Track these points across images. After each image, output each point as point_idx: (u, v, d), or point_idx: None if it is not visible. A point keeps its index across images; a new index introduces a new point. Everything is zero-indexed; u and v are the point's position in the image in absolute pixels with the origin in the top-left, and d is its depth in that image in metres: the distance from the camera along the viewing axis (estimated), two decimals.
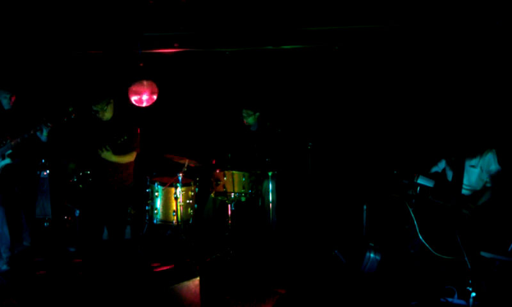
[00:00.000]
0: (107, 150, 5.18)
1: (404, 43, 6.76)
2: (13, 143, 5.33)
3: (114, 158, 5.28)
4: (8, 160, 5.40)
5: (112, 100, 5.44)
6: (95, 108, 5.32)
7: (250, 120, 6.49)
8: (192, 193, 6.12)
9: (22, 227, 6.04)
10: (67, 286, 5.01)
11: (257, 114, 6.51)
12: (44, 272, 5.44)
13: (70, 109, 5.40)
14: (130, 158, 5.46)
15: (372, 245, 5.29)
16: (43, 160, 6.41)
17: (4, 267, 5.46)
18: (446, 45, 6.54)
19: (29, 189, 5.82)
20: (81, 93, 6.75)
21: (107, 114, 5.42)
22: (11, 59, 6.88)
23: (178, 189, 5.87)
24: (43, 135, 5.42)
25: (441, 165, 5.40)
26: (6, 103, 5.55)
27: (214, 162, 6.56)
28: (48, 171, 6.64)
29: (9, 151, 5.39)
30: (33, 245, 6.04)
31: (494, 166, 4.88)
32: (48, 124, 5.31)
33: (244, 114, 6.48)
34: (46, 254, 6.00)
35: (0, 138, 5.40)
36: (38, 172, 6.43)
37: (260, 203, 6.48)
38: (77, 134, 5.55)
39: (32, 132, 5.31)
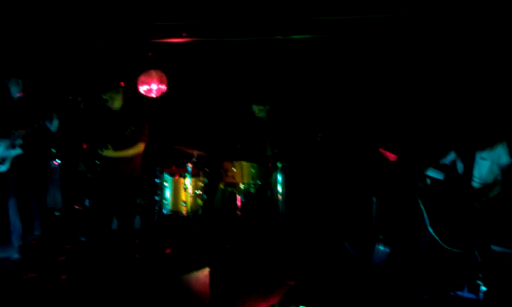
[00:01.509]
0: (106, 148, 5.18)
1: (414, 33, 6.71)
2: (23, 133, 5.37)
3: (116, 155, 5.27)
4: (18, 151, 5.44)
5: (121, 89, 5.43)
6: (104, 96, 5.30)
7: (262, 114, 6.48)
8: (202, 184, 6.13)
9: (33, 216, 6.08)
10: (76, 274, 5.07)
11: (267, 106, 6.50)
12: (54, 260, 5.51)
13: (79, 99, 5.41)
14: (136, 150, 5.44)
15: (382, 237, 5.29)
16: (53, 150, 6.44)
17: (16, 256, 5.53)
18: (458, 36, 6.49)
19: (40, 179, 5.83)
20: (91, 83, 6.76)
21: (117, 104, 5.40)
22: (22, 49, 6.89)
23: (188, 180, 5.88)
24: (53, 125, 5.45)
25: (450, 157, 5.36)
26: (15, 91, 5.55)
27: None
28: (59, 161, 6.68)
29: (20, 142, 5.42)
30: (44, 235, 6.08)
31: (505, 159, 4.83)
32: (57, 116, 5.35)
33: (255, 109, 6.47)
34: (57, 243, 6.05)
35: (10, 128, 5.43)
36: (49, 162, 6.46)
37: (269, 194, 6.48)
38: (87, 123, 5.55)
39: (42, 123, 5.34)
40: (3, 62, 6.47)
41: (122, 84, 5.36)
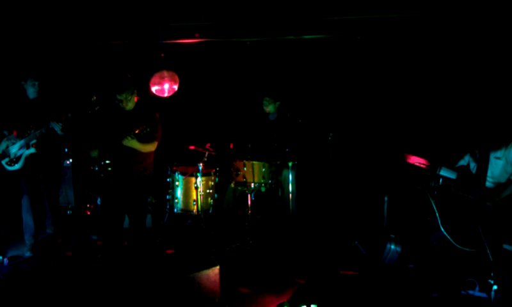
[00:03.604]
0: (131, 138, 5.19)
1: (426, 33, 6.67)
2: (37, 133, 5.43)
3: (138, 146, 5.28)
4: (32, 150, 5.50)
5: (136, 90, 5.45)
6: (119, 97, 5.30)
7: (271, 108, 6.51)
8: (213, 183, 6.16)
9: (45, 215, 6.14)
10: (88, 272, 5.10)
11: (278, 103, 6.52)
12: (67, 258, 5.55)
13: (92, 99, 5.44)
14: (151, 147, 5.47)
15: (393, 236, 5.26)
16: (66, 149, 6.49)
17: (28, 254, 5.59)
18: (469, 34, 6.44)
19: (53, 178, 5.88)
20: (104, 83, 6.81)
21: (130, 104, 5.41)
22: (37, 50, 6.97)
23: (199, 179, 5.90)
24: (58, 131, 5.48)
25: (468, 158, 5.32)
26: (32, 92, 5.61)
27: (231, 146, 6.55)
28: (71, 160, 6.73)
29: (34, 141, 5.49)
30: (56, 233, 6.13)
31: None
32: (59, 123, 5.40)
33: (264, 102, 6.50)
34: (69, 241, 6.10)
35: (25, 127, 5.50)
36: (61, 161, 6.51)
37: (280, 194, 6.48)
38: (100, 124, 5.58)
39: (50, 127, 5.39)
40: (19, 64, 6.57)
41: (128, 75, 5.37)
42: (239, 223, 6.36)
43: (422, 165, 5.02)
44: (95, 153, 5.42)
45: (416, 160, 5.09)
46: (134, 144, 5.22)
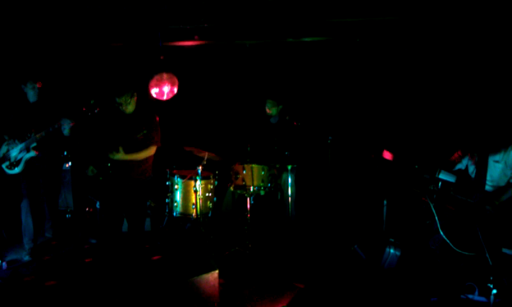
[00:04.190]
0: (117, 152, 5.19)
1: (425, 35, 6.67)
2: (37, 136, 5.42)
3: (128, 157, 5.28)
4: (32, 153, 5.49)
5: (135, 93, 5.44)
6: (118, 100, 5.31)
7: (274, 111, 6.50)
8: (212, 186, 6.14)
9: (44, 218, 6.13)
10: (86, 277, 5.10)
11: (280, 106, 6.51)
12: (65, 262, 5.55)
13: (91, 102, 5.43)
14: (148, 153, 5.45)
15: (392, 240, 5.26)
16: (65, 153, 6.48)
17: (27, 258, 5.58)
18: (467, 37, 6.44)
19: (53, 181, 5.87)
20: (104, 86, 6.80)
21: (130, 107, 5.41)
22: (37, 52, 6.96)
23: (198, 182, 5.89)
24: (66, 130, 5.48)
25: (465, 161, 5.31)
26: (32, 95, 5.60)
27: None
28: (70, 163, 6.72)
29: (34, 145, 5.48)
30: (55, 237, 6.12)
31: None
32: (70, 122, 5.39)
33: (268, 104, 6.49)
34: (68, 245, 6.09)
35: (25, 131, 5.49)
36: (62, 164, 6.50)
37: (279, 197, 6.47)
38: (100, 127, 5.57)
39: (56, 126, 5.38)
40: (19, 66, 6.56)
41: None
42: (238, 227, 6.35)
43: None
44: (90, 173, 5.42)
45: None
46: (121, 156, 5.22)
